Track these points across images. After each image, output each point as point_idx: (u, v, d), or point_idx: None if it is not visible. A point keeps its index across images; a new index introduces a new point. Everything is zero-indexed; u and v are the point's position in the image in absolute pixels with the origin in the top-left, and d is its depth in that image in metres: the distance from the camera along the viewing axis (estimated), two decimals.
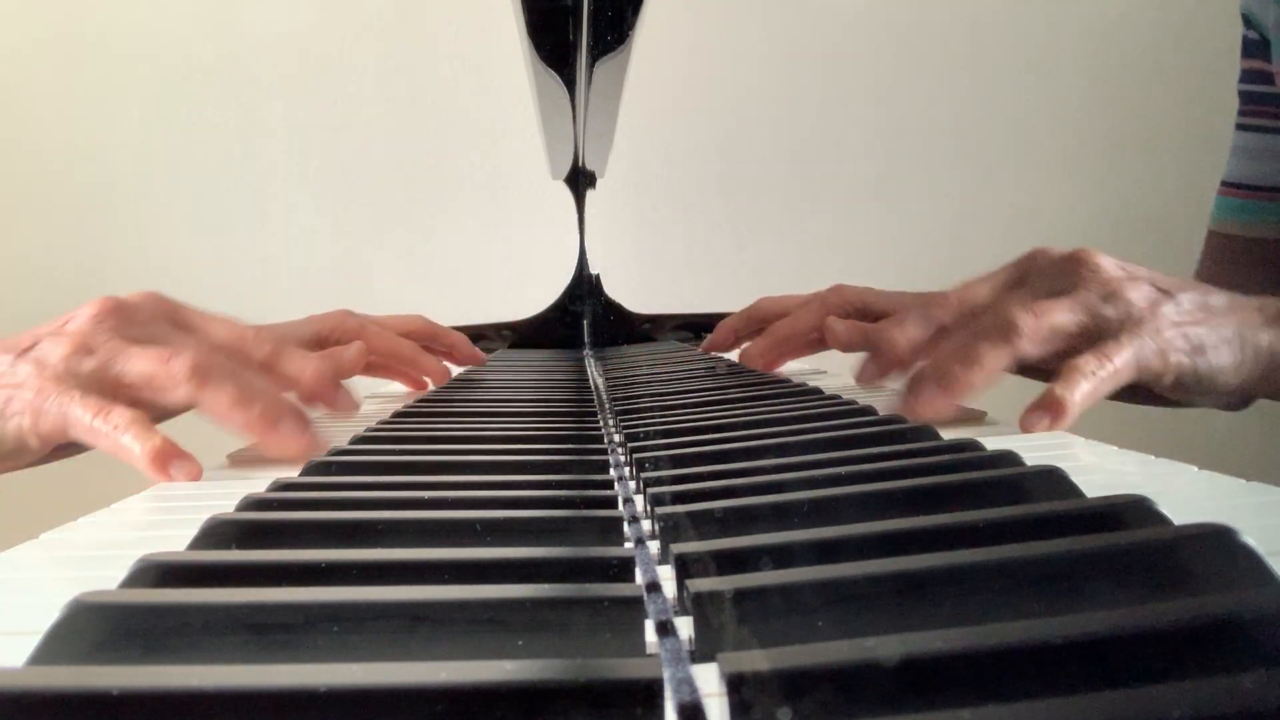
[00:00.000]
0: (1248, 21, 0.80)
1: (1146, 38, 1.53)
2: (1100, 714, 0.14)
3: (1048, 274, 0.49)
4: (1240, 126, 0.82)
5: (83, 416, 0.40)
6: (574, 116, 0.76)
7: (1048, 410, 0.42)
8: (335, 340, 0.69)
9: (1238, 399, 0.48)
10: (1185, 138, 1.52)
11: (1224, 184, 0.83)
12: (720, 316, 1.13)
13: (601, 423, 0.53)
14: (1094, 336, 0.44)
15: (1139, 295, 0.45)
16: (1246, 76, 0.81)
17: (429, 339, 0.78)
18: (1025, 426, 0.43)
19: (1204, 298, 0.46)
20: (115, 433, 0.40)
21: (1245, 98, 0.81)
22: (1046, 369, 0.46)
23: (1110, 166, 1.54)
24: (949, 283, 0.59)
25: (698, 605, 0.20)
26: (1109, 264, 0.47)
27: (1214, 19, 1.49)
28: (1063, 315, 0.44)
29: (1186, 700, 0.14)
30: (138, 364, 0.42)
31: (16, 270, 1.45)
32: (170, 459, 0.41)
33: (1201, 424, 0.88)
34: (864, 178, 1.54)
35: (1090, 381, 0.42)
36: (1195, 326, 0.44)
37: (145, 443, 0.40)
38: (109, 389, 0.42)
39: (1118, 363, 0.43)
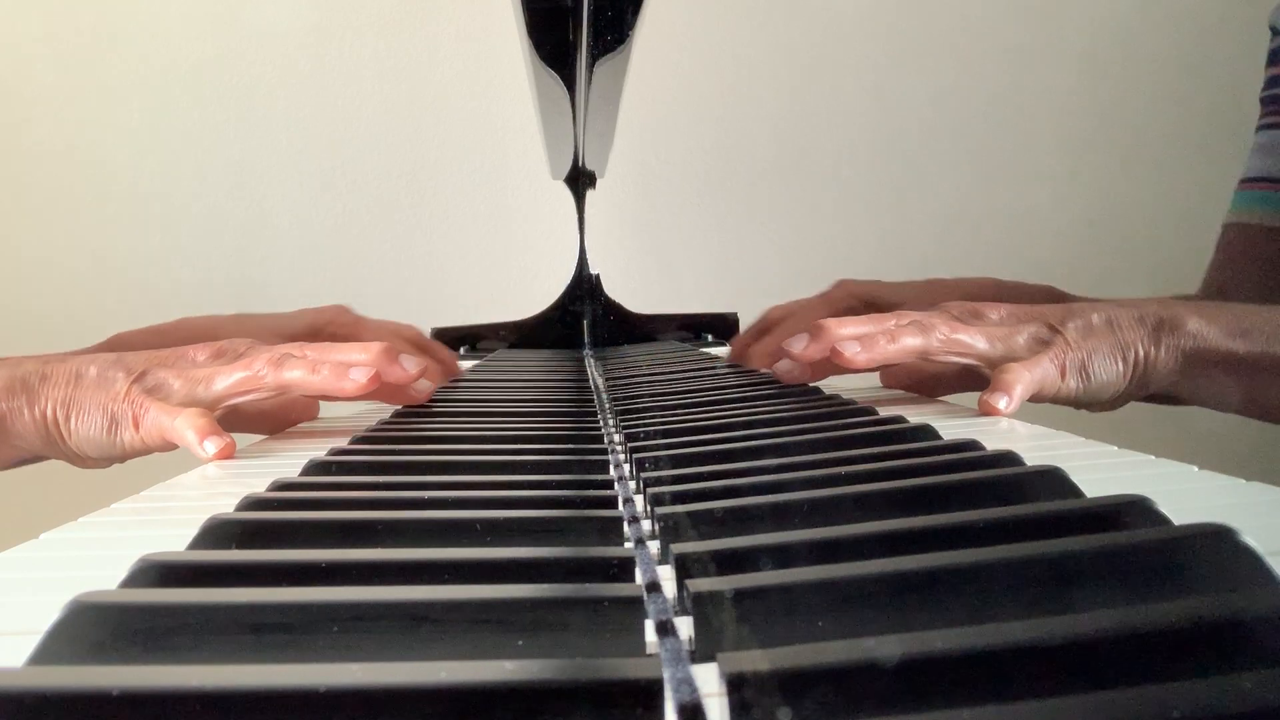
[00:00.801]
0: (1275, 31, 0.83)
1: (1145, 40, 1.53)
2: (1100, 714, 0.14)
3: (960, 317, 0.60)
4: (1262, 128, 0.85)
5: (164, 420, 0.52)
6: (574, 116, 0.76)
7: (1000, 390, 0.52)
8: (330, 334, 0.75)
9: (1121, 401, 0.57)
10: (1182, 139, 1.52)
11: (1243, 180, 0.85)
12: (720, 316, 1.13)
13: (601, 423, 0.53)
14: (995, 360, 0.55)
15: (1033, 330, 0.56)
16: (1271, 82, 0.84)
17: (421, 349, 0.80)
18: (985, 409, 0.52)
19: (1087, 323, 0.56)
20: (179, 425, 0.52)
21: (1268, 101, 0.84)
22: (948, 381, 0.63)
23: (1107, 167, 1.54)
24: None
25: (698, 605, 0.20)
26: (995, 313, 0.58)
27: (1213, 21, 1.49)
28: (970, 336, 0.56)
29: (1186, 700, 0.14)
30: (231, 376, 0.55)
31: (17, 270, 1.45)
32: (209, 435, 0.51)
33: (1201, 424, 0.88)
34: (864, 177, 1.54)
35: (1022, 378, 0.53)
36: (1079, 352, 0.54)
37: (195, 428, 0.51)
38: (209, 402, 0.54)
39: (1036, 374, 0.54)
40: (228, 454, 0.51)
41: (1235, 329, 0.55)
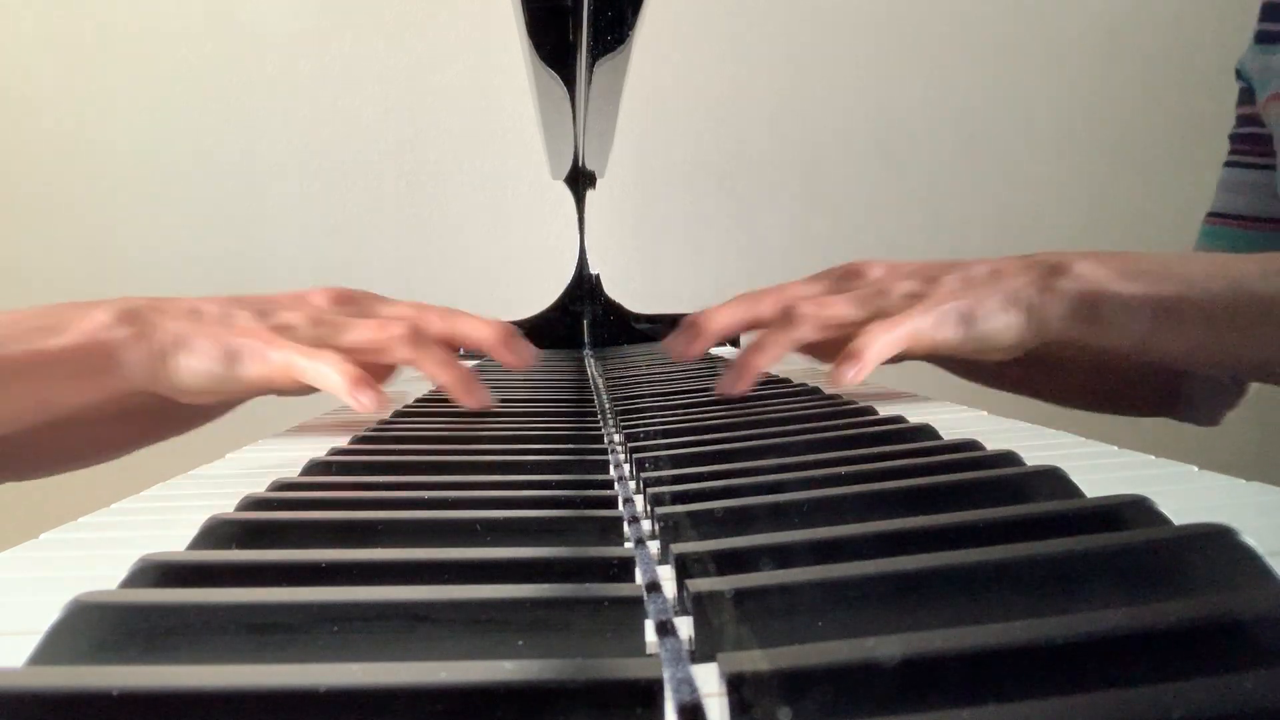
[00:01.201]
0: (1239, 75, 0.86)
1: (1146, 39, 1.53)
2: (1100, 714, 0.14)
3: (841, 280, 0.59)
4: (1227, 164, 0.87)
5: (300, 359, 0.50)
6: (574, 116, 0.76)
7: (848, 359, 0.50)
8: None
9: (1018, 350, 0.55)
10: (1186, 139, 1.52)
11: (1209, 215, 0.88)
12: None
13: (601, 423, 0.53)
14: (867, 323, 0.53)
15: (907, 286, 0.54)
16: (1240, 121, 0.87)
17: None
18: (835, 380, 0.50)
19: (967, 274, 0.54)
20: (323, 370, 0.49)
21: (1235, 139, 0.87)
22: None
23: (1108, 166, 1.54)
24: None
25: (698, 605, 0.20)
26: (879, 267, 0.57)
27: (1214, 20, 1.49)
28: (840, 307, 0.54)
29: (1186, 700, 0.14)
30: (361, 333, 0.52)
31: (17, 270, 1.45)
32: (362, 384, 0.49)
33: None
34: (863, 177, 1.54)
35: (877, 339, 0.50)
36: (960, 300, 0.52)
37: (345, 373, 0.49)
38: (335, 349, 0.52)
39: (898, 331, 0.51)
40: (379, 407, 0.49)
41: (1127, 272, 0.53)
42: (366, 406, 0.49)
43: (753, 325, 0.60)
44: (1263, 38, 0.81)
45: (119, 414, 0.56)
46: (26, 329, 0.50)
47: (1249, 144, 0.84)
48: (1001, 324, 0.52)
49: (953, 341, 0.52)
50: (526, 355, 0.59)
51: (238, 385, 0.52)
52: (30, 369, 0.50)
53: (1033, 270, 0.54)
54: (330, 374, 0.49)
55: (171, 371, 0.51)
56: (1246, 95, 0.85)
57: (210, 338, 0.51)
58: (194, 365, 0.51)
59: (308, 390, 0.52)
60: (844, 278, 0.59)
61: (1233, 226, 0.85)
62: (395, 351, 0.52)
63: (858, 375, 0.50)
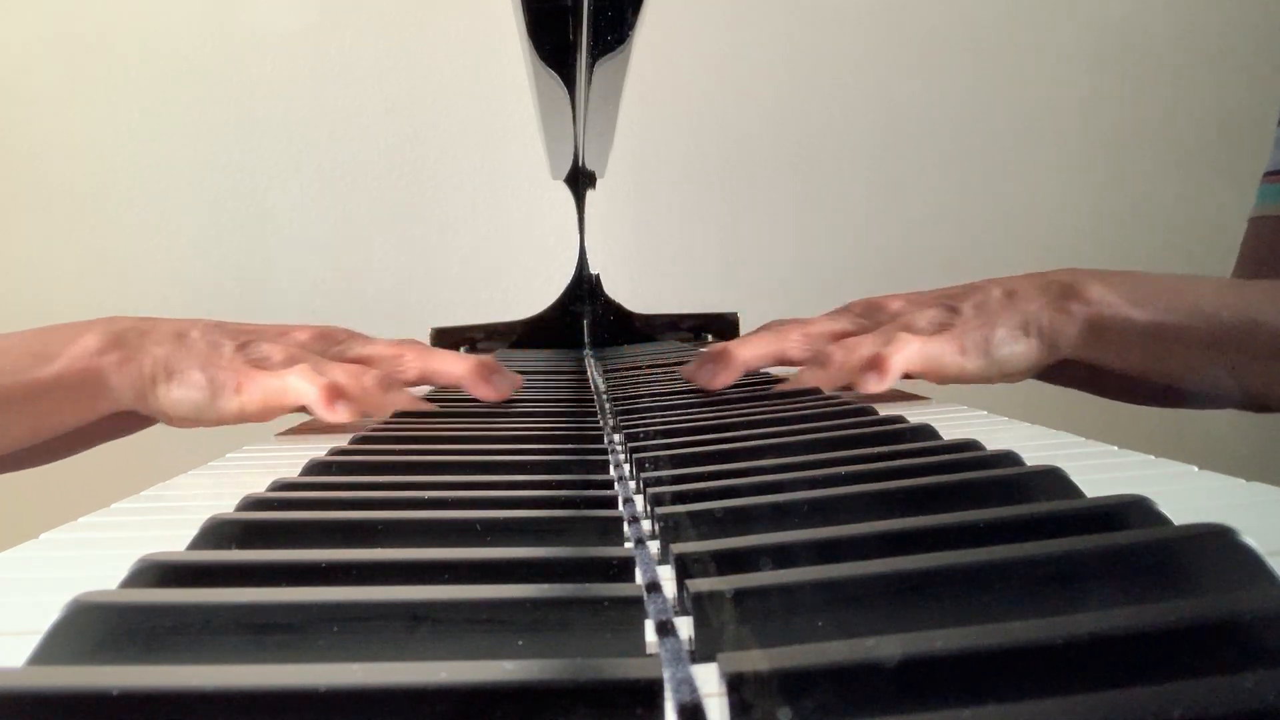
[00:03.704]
0: None
1: (1148, 38, 1.53)
2: (1100, 714, 0.14)
3: (862, 315, 0.61)
4: None
5: (271, 381, 0.52)
6: (574, 116, 0.76)
7: (873, 368, 0.52)
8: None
9: (1035, 370, 0.56)
10: (1185, 137, 1.52)
11: (1267, 173, 0.85)
12: (720, 316, 1.13)
13: (601, 423, 0.53)
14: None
15: (930, 315, 0.55)
16: None
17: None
18: (860, 388, 0.52)
19: (986, 298, 0.55)
20: (292, 382, 0.51)
21: None
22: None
23: (1110, 166, 1.54)
24: (949, 282, 0.60)
25: (698, 605, 0.20)
26: (898, 300, 0.59)
27: (1222, 20, 1.49)
28: (868, 348, 0.54)
29: (1186, 700, 0.14)
30: (336, 377, 0.53)
31: (16, 270, 1.45)
32: (335, 395, 0.51)
33: (1201, 424, 0.88)
34: (865, 177, 1.54)
35: (907, 347, 0.52)
36: (980, 330, 0.54)
37: (316, 384, 0.51)
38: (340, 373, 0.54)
39: (930, 347, 0.52)
40: (352, 418, 0.51)
41: (1135, 298, 0.55)
42: (341, 417, 0.51)
43: (779, 361, 0.61)
44: None
45: (101, 429, 0.58)
46: (17, 357, 0.52)
47: None
48: (1020, 349, 0.54)
49: (976, 369, 0.54)
50: (504, 388, 0.59)
51: (215, 416, 0.53)
52: (23, 398, 0.52)
53: (1048, 292, 0.55)
54: (303, 386, 0.51)
55: (159, 397, 0.52)
56: None
57: (194, 368, 0.52)
58: (176, 394, 0.52)
59: (279, 415, 0.54)
60: (864, 313, 0.59)
61: None
62: (370, 400, 0.55)
63: (880, 385, 0.51)
